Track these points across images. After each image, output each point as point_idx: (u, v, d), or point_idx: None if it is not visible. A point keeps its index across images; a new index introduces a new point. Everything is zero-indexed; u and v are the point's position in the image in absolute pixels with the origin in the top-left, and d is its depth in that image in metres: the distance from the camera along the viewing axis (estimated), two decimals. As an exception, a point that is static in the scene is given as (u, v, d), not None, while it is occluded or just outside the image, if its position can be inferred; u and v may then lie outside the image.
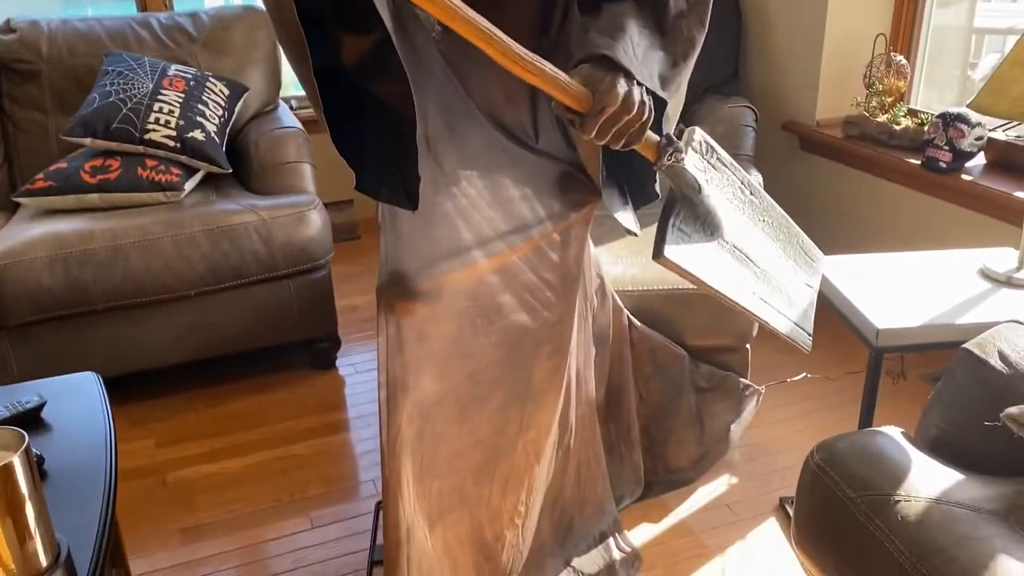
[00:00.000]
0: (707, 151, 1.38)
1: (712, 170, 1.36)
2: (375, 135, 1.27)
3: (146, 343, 2.36)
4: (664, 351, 2.01)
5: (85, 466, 1.38)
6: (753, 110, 2.83)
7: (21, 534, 1.07)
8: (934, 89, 3.83)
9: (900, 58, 2.76)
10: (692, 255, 1.29)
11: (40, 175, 2.39)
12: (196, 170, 2.50)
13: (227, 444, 2.29)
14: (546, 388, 1.51)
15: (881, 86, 2.75)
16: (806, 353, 1.52)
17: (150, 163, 2.41)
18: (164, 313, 2.33)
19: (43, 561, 1.10)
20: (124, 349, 2.34)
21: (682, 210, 1.32)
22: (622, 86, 1.13)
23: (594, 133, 1.16)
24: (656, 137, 1.24)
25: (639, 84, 1.16)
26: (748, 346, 2.09)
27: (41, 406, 1.50)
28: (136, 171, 2.38)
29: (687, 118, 2.96)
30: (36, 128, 2.64)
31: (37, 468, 1.31)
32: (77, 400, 1.57)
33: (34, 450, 1.34)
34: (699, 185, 1.30)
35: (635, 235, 1.43)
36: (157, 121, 2.43)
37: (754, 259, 1.42)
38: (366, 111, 1.28)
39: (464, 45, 1.34)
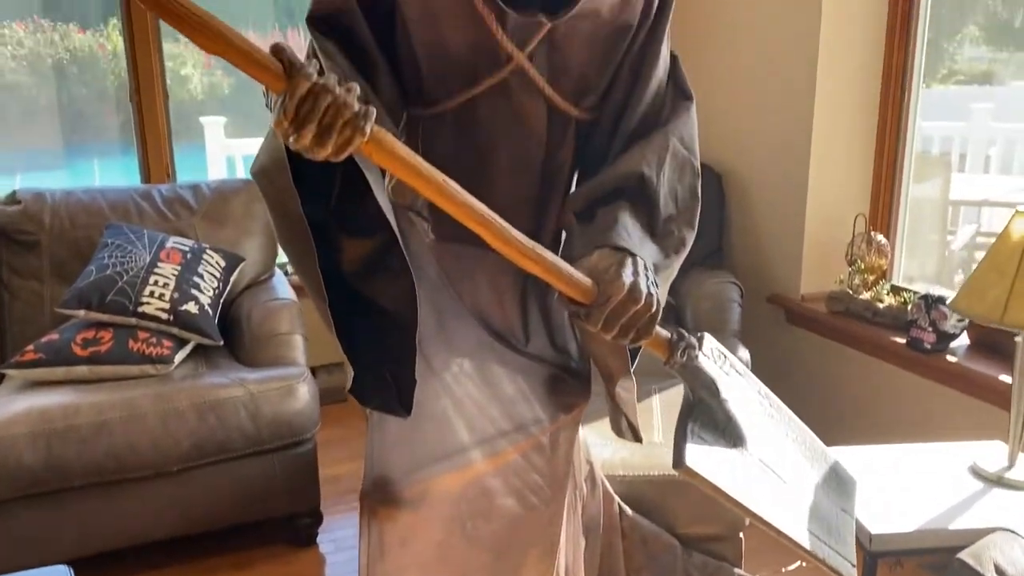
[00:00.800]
0: (719, 358, 1.38)
1: (727, 378, 1.35)
2: (368, 338, 1.28)
3: (123, 520, 2.29)
4: (656, 540, 1.96)
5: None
6: (738, 286, 2.89)
7: None
8: (915, 259, 3.93)
9: (880, 238, 2.84)
10: (716, 465, 1.23)
11: (31, 347, 2.39)
12: (187, 341, 2.51)
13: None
14: (534, 593, 1.46)
15: (863, 264, 2.82)
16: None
17: (142, 335, 2.42)
18: (144, 489, 2.28)
19: None
20: (100, 527, 2.28)
21: (700, 416, 1.28)
22: (628, 275, 1.13)
23: (600, 325, 1.13)
24: (667, 333, 1.24)
25: (645, 274, 1.16)
26: (741, 535, 2.05)
27: (8, 607, 1.44)
28: (127, 343, 2.39)
29: (672, 293, 3.02)
30: (32, 298, 2.66)
31: None
32: (46, 598, 1.51)
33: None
34: (716, 387, 1.29)
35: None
36: (152, 294, 2.46)
37: (782, 475, 1.34)
38: (358, 313, 1.29)
39: (457, 251, 1.39)
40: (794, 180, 2.96)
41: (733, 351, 2.62)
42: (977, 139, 5.49)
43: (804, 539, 1.28)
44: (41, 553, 2.17)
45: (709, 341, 1.33)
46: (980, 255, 4.60)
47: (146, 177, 3.13)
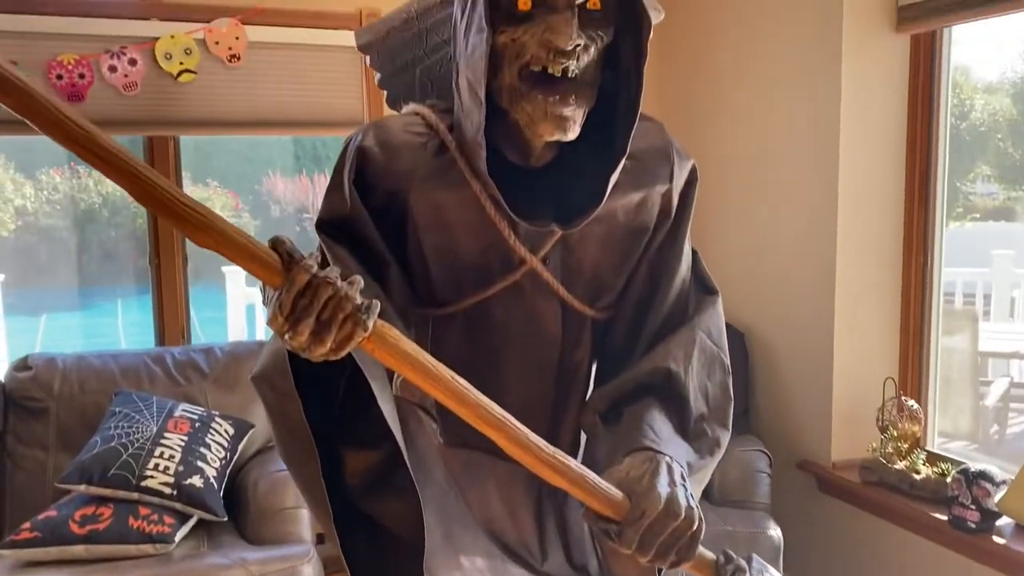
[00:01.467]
0: (750, 561, 1.28)
1: None
2: (371, 556, 1.19)
3: None
4: None
5: None
6: (766, 454, 2.77)
7: None
8: (947, 416, 3.78)
9: (912, 403, 2.73)
10: None
11: (27, 524, 2.30)
12: (190, 516, 2.40)
13: None
14: None
15: (895, 431, 2.70)
16: None
17: (143, 511, 2.33)
18: None
19: None
20: None
21: None
22: (663, 485, 1.03)
23: (635, 546, 1.02)
24: (711, 554, 1.13)
25: (683, 483, 1.06)
26: None
27: None
28: (127, 520, 2.29)
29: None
30: (36, 467, 2.59)
31: None
32: None
33: None
34: None
35: None
36: (156, 467, 2.38)
37: None
38: (361, 528, 1.20)
39: (467, 458, 1.31)
40: (819, 339, 2.88)
41: (764, 528, 2.49)
42: (1001, 284, 5.44)
43: None
44: None
45: (758, 563, 1.22)
46: (1016, 407, 4.46)
47: (160, 338, 3.11)
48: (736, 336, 3.17)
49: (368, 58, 1.31)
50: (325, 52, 3.12)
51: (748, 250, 3.20)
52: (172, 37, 2.92)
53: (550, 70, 1.05)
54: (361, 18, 3.13)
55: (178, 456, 2.42)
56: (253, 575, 2.23)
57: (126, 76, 2.89)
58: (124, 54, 2.87)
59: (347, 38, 3.11)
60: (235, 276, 5.77)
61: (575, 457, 1.25)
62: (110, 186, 7.38)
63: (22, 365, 2.72)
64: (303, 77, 3.11)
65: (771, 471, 2.73)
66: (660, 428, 1.14)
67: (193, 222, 0.84)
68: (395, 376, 1.34)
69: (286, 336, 0.87)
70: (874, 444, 2.75)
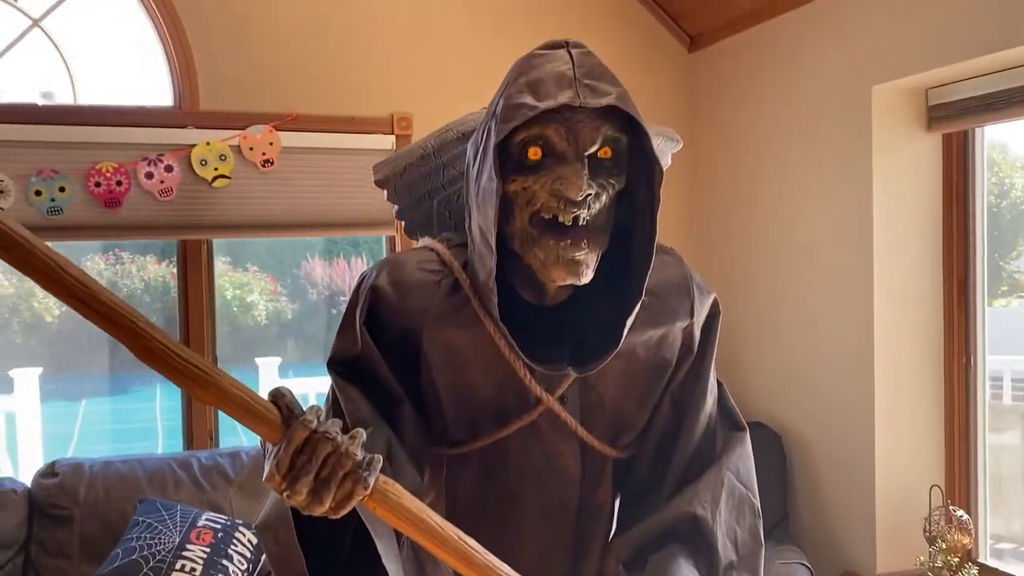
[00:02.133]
0: None
1: None
2: None
3: None
4: None
5: None
6: (808, 567, 2.65)
7: None
8: (1000, 517, 3.61)
9: (961, 513, 2.61)
10: None
11: (45, 641, 2.25)
12: (210, 632, 2.34)
13: None
14: None
15: (944, 543, 2.57)
16: None
17: (162, 627, 2.27)
18: None
19: None
20: None
21: None
22: None
23: None
24: None
25: None
26: None
27: None
28: (146, 638, 2.24)
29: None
30: (56, 577, 2.56)
31: None
32: None
33: None
34: None
35: None
36: (177, 581, 2.34)
37: None
38: None
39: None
40: (859, 441, 2.79)
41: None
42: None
43: None
44: None
45: None
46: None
47: (188, 441, 3.09)
48: (773, 438, 3.08)
49: (386, 192, 1.31)
50: (357, 155, 3.16)
51: (784, 348, 3.14)
52: (208, 144, 2.99)
53: (561, 219, 1.03)
54: (393, 122, 3.19)
55: (199, 569, 2.37)
56: None
57: (162, 182, 2.95)
58: (161, 161, 2.94)
59: (379, 141, 3.18)
60: (268, 368, 5.79)
61: None
62: (151, 272, 7.56)
63: (49, 471, 2.71)
64: (335, 179, 3.16)
65: (813, 585, 2.60)
66: None
67: (191, 376, 0.84)
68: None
69: (284, 494, 0.84)
70: (922, 557, 2.62)
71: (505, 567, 0.96)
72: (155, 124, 2.97)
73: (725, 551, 1.17)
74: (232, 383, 0.85)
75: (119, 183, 2.91)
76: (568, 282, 1.06)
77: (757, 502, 1.22)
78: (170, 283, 6.12)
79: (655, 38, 3.60)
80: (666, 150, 1.33)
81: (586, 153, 1.04)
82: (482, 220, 1.07)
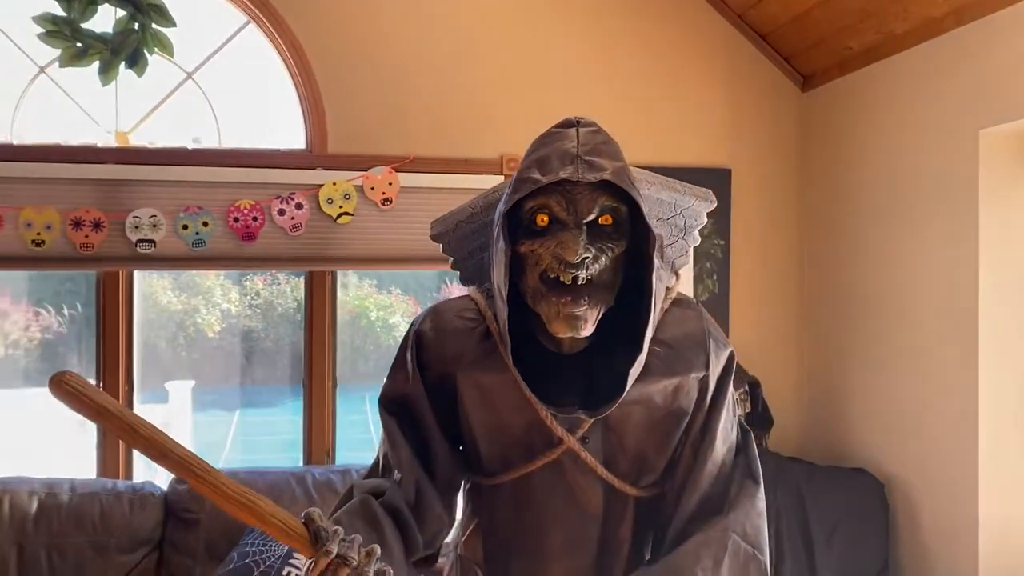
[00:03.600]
0: None
1: None
2: None
3: None
4: None
5: None
6: (900, 621, 2.57)
7: None
8: None
9: (1071, 577, 2.47)
10: None
11: (169, 630, 2.52)
12: (311, 636, 2.54)
13: None
14: None
15: (1052, 608, 2.44)
16: None
17: (269, 627, 2.49)
18: None
19: None
20: None
21: None
22: None
23: None
24: None
25: None
26: None
27: None
28: (253, 636, 2.46)
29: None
30: (184, 574, 2.83)
31: None
32: None
33: None
34: None
35: None
36: (283, 586, 2.55)
37: None
38: None
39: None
40: (963, 491, 2.69)
41: None
42: None
43: None
44: None
45: None
46: None
47: (307, 456, 3.35)
48: (876, 486, 3.01)
49: (441, 246, 1.46)
50: (469, 194, 3.29)
51: (889, 395, 3.06)
52: (334, 184, 3.25)
53: (561, 278, 1.14)
54: (502, 163, 3.36)
55: (303, 576, 2.58)
56: None
57: (292, 219, 3.23)
58: (292, 199, 3.23)
59: (489, 181, 3.35)
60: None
61: None
62: (303, 292, 8.09)
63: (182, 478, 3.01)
64: (448, 217, 3.35)
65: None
66: None
67: (238, 504, 1.05)
68: (461, 534, 1.44)
69: None
70: (1028, 620, 2.50)
71: None
72: (288, 166, 3.27)
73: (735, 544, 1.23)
74: (272, 510, 1.05)
75: (255, 219, 3.21)
76: (568, 335, 1.17)
77: (765, 558, 1.27)
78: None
79: (769, 78, 3.61)
80: (700, 210, 1.41)
81: (585, 221, 1.15)
82: (496, 277, 1.19)
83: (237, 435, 8.16)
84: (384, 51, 3.34)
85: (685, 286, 3.52)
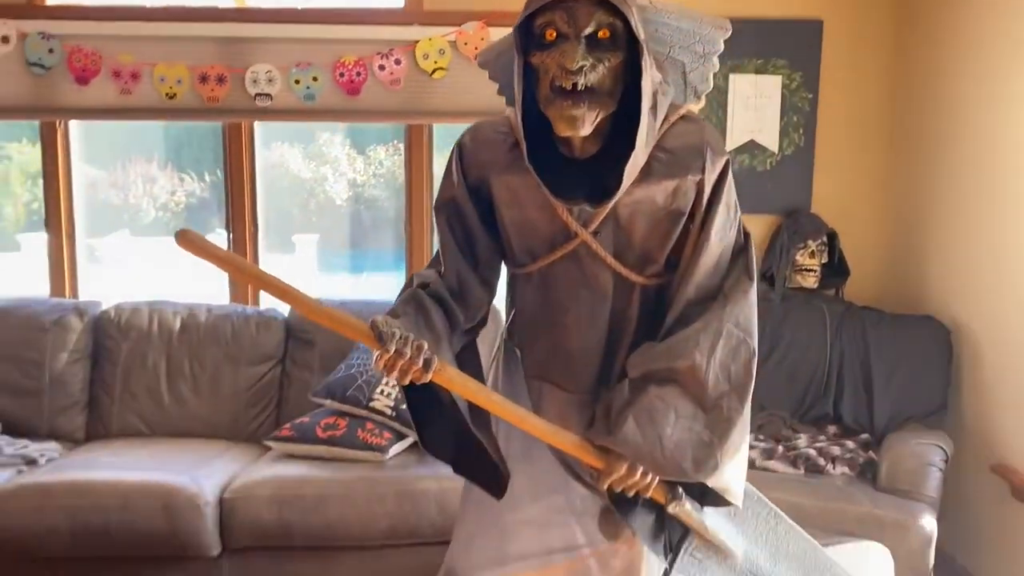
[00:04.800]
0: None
1: (728, 519, 1.54)
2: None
3: (331, 583, 2.74)
4: None
5: None
6: (943, 449, 2.74)
7: None
8: None
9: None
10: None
11: (288, 425, 2.98)
12: (406, 436, 2.94)
13: None
14: None
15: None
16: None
17: (370, 426, 2.90)
18: (349, 559, 2.72)
19: None
20: (312, 584, 2.74)
21: (695, 539, 1.52)
22: (631, 457, 1.40)
23: (604, 488, 1.40)
24: (665, 488, 1.44)
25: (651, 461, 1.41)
26: None
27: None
28: (357, 432, 2.88)
29: (879, 441, 2.93)
30: (302, 385, 3.28)
31: None
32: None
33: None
34: (706, 527, 1.48)
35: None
36: (381, 392, 2.95)
37: None
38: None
39: (539, 388, 1.64)
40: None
41: (917, 519, 2.51)
42: None
43: None
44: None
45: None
46: None
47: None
48: (941, 332, 3.11)
49: (488, 73, 1.67)
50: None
51: (965, 248, 3.10)
52: (430, 40, 3.47)
53: (563, 85, 1.35)
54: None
55: (396, 388, 2.96)
56: (444, 488, 2.71)
57: (392, 74, 3.48)
58: (391, 55, 3.47)
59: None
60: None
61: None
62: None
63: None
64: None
65: (945, 467, 2.70)
66: (669, 434, 1.43)
67: (329, 317, 1.33)
68: (505, 323, 1.73)
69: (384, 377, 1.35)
70: (1070, 453, 2.61)
71: (515, 406, 1.41)
72: (387, 22, 3.50)
73: (717, 385, 1.46)
74: (347, 318, 1.35)
75: (358, 74, 3.48)
76: (568, 133, 1.39)
77: (753, 343, 1.49)
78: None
79: (868, -75, 3.52)
80: (717, 37, 1.56)
81: (583, 34, 1.34)
82: (515, 86, 1.41)
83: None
84: (477, -93, 3.46)
85: (771, 140, 3.59)
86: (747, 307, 1.51)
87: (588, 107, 1.37)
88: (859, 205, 3.65)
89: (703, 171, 1.47)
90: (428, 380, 1.34)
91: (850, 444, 2.94)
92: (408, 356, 1.31)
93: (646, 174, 1.45)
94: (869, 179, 3.64)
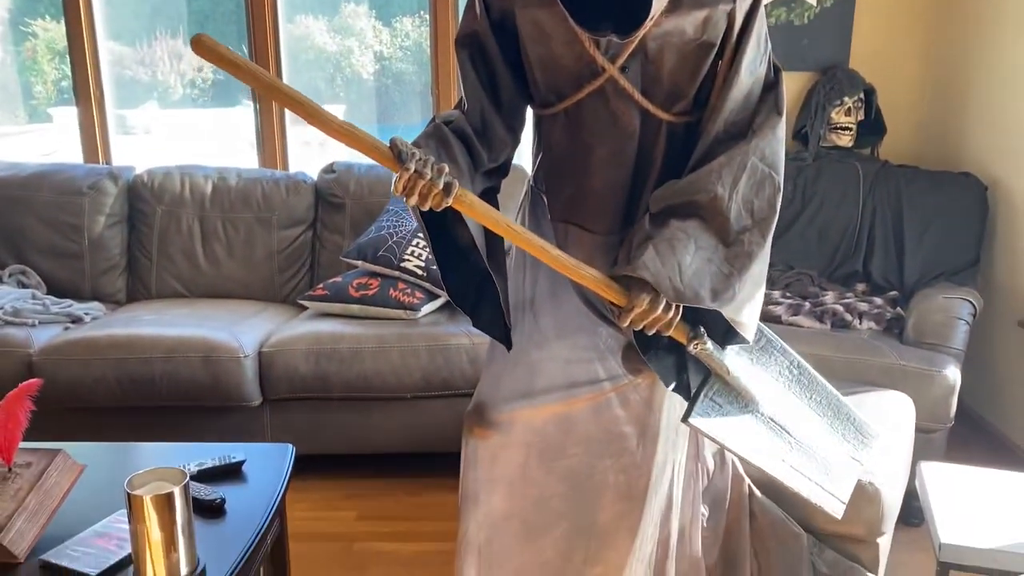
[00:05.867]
0: (757, 338, 1.55)
1: (758, 352, 1.54)
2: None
3: (369, 431, 2.85)
4: (784, 527, 2.04)
5: (254, 514, 1.81)
6: (972, 303, 2.73)
7: (168, 546, 1.50)
8: None
9: None
10: (719, 423, 1.51)
11: (321, 285, 3.04)
12: (437, 296, 3.00)
13: (409, 529, 2.67)
14: (612, 530, 1.68)
15: None
16: (837, 519, 1.65)
17: (401, 286, 2.96)
18: (384, 409, 2.82)
19: (184, 570, 1.52)
20: (352, 433, 2.86)
21: (716, 383, 1.53)
22: (651, 290, 1.40)
23: (626, 324, 1.42)
24: (687, 328, 1.45)
25: (673, 294, 1.39)
26: (879, 540, 2.05)
27: (242, 463, 1.98)
28: (389, 291, 2.94)
29: (907, 299, 2.93)
30: (334, 248, 3.33)
31: (215, 506, 1.78)
32: (271, 464, 2.03)
33: (218, 493, 1.81)
34: (727, 369, 1.47)
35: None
36: (412, 253, 2.99)
37: (791, 430, 1.59)
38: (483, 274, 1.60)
39: (564, 230, 1.65)
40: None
41: (941, 369, 2.53)
42: None
43: (791, 479, 1.58)
44: (308, 443, 2.76)
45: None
46: None
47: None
48: (979, 188, 3.06)
49: None
50: None
51: (1004, 106, 3.02)
52: None
53: None
54: None
55: (427, 249, 3.00)
56: (473, 343, 2.77)
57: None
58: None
59: None
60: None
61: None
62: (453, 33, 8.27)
63: (329, 169, 3.45)
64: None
65: (972, 321, 2.70)
66: (688, 262, 1.41)
67: (346, 134, 1.27)
68: (532, 169, 1.72)
69: (403, 199, 1.30)
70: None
71: (533, 236, 1.39)
72: None
73: (739, 219, 1.44)
74: (366, 136, 1.28)
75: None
76: None
77: (779, 178, 1.46)
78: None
79: None
80: None
81: None
82: None
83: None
84: None
85: (809, -8, 3.45)
86: (775, 141, 1.48)
87: None
88: (899, 61, 3.53)
89: (734, 0, 1.42)
90: (449, 204, 1.32)
91: (878, 300, 2.94)
92: (429, 177, 1.29)
93: (675, 4, 1.41)
94: (909, 35, 3.51)
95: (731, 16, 1.43)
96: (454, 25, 3.61)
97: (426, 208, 1.32)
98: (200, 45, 1.22)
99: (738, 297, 1.45)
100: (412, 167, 1.28)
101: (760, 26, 1.47)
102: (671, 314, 1.41)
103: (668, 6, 1.41)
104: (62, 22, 3.65)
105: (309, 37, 7.32)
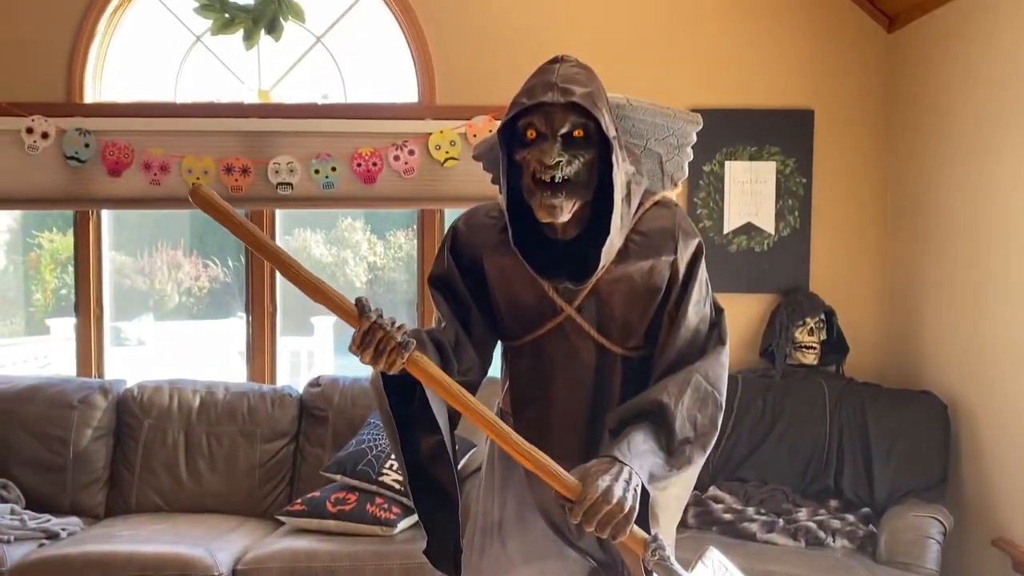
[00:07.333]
0: (719, 568, 1.59)
1: None
2: (440, 514, 1.66)
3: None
4: None
5: None
6: (940, 522, 2.78)
7: None
8: None
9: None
10: None
11: (299, 500, 3.07)
12: (414, 511, 3.02)
13: None
14: None
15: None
16: None
17: (379, 500, 2.99)
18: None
19: None
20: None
21: None
22: (606, 480, 1.41)
23: (580, 518, 1.40)
24: (644, 534, 1.49)
25: (625, 482, 1.42)
26: None
27: None
28: (366, 506, 2.97)
29: (880, 515, 2.96)
30: (314, 460, 3.38)
31: None
32: None
33: None
34: None
35: None
36: (391, 467, 3.05)
37: None
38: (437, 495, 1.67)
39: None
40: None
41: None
42: None
43: None
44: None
45: (714, 553, 1.53)
46: None
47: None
48: (939, 406, 3.17)
49: (481, 164, 1.84)
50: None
51: (962, 325, 3.18)
52: (441, 132, 3.68)
53: (543, 177, 1.50)
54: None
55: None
56: (449, 561, 2.77)
57: (406, 163, 3.68)
58: (405, 146, 3.68)
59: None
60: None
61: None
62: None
63: (315, 383, 3.57)
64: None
65: (943, 540, 2.73)
66: (635, 445, 1.49)
67: (309, 285, 1.40)
68: (501, 393, 1.83)
69: (358, 356, 1.40)
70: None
71: (486, 410, 1.45)
72: (402, 116, 3.72)
73: (683, 430, 1.56)
74: (333, 292, 1.40)
75: (374, 164, 3.69)
76: (548, 220, 1.53)
77: (721, 398, 1.59)
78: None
79: (854, 19, 3.73)
80: (690, 130, 1.72)
81: (559, 133, 1.50)
82: (501, 179, 1.57)
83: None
84: (485, 14, 3.71)
85: (767, 222, 3.73)
86: (718, 366, 1.62)
87: (565, 197, 1.51)
88: (856, 284, 3.76)
89: (675, 252, 1.61)
90: (403, 364, 1.36)
91: (850, 518, 2.98)
92: (387, 331, 1.34)
93: (623, 255, 1.59)
94: (865, 258, 3.76)
95: (674, 265, 1.61)
96: (440, 239, 3.85)
97: (380, 367, 1.37)
98: (196, 195, 1.37)
99: (669, 491, 1.53)
100: (372, 317, 1.36)
101: (702, 273, 1.64)
102: (627, 506, 1.39)
103: (617, 257, 1.60)
104: (69, 234, 3.87)
105: (306, 249, 7.68)
